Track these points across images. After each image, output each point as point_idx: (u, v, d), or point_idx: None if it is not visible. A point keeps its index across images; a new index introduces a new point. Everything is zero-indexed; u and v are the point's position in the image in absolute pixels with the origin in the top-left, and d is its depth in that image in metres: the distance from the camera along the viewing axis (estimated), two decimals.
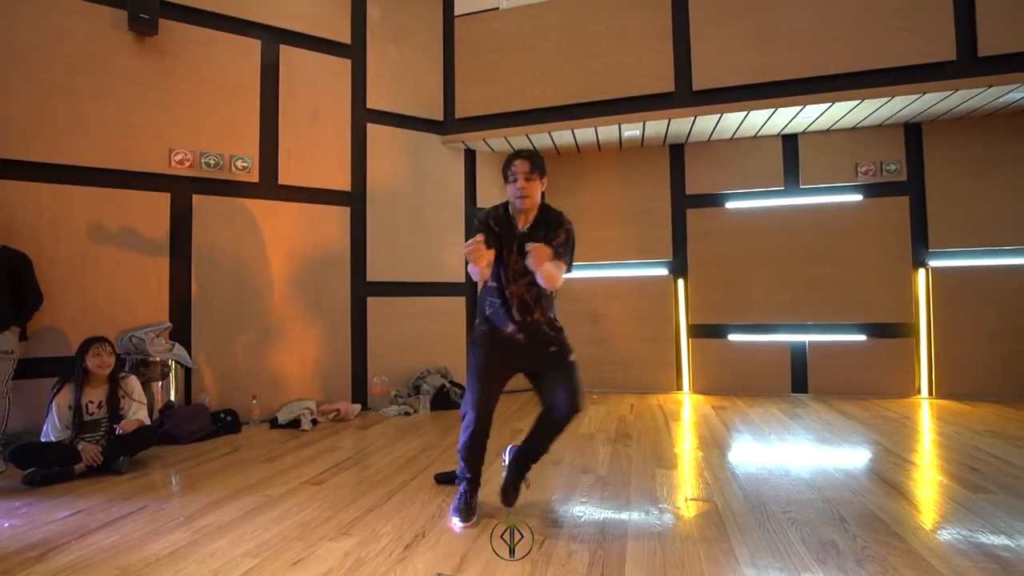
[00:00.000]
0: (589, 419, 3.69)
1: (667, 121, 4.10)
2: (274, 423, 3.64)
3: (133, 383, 2.91)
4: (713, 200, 4.64)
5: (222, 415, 3.54)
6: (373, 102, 4.25)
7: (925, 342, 4.20)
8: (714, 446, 3.01)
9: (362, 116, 4.22)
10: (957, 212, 4.17)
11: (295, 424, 3.58)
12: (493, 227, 2.02)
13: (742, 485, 2.36)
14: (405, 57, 4.40)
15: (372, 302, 4.22)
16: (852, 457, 2.76)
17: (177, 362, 3.49)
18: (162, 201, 3.55)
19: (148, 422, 2.90)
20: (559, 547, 1.79)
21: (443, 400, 4.12)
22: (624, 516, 2.04)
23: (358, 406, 3.99)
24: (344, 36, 4.16)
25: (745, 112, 3.93)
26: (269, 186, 3.88)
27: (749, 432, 3.28)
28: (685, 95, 4.00)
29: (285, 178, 3.92)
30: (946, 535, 1.82)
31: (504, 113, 4.37)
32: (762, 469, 2.58)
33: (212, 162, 3.68)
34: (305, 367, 3.95)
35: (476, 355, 2.07)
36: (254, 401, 3.67)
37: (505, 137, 4.39)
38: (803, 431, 3.27)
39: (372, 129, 4.25)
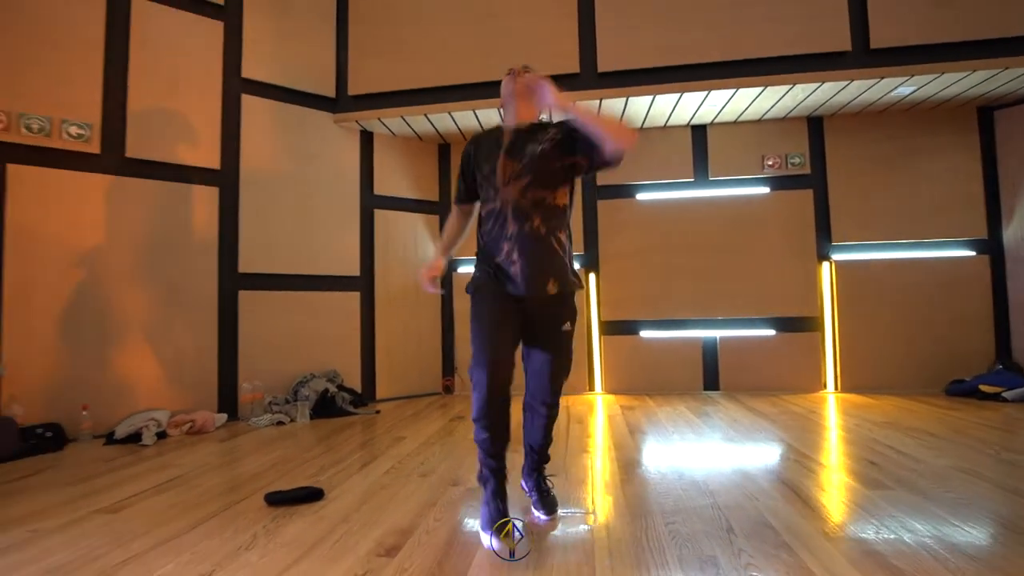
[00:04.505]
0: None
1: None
2: (110, 438, 3.04)
3: None
4: (624, 191, 4.46)
5: (39, 430, 2.90)
6: (249, 71, 3.75)
7: (830, 336, 4.17)
8: (610, 449, 2.73)
9: (236, 86, 3.71)
10: (857, 205, 4.19)
11: (135, 439, 3.00)
12: (472, 154, 1.81)
13: (628, 493, 2.07)
14: (292, 25, 3.94)
15: (245, 296, 3.69)
16: (752, 456, 2.55)
17: None
18: None
19: None
20: (387, 570, 1.41)
21: (327, 407, 3.64)
22: (476, 539, 1.68)
23: (223, 416, 3.44)
24: None
25: (651, 96, 3.76)
26: (114, 159, 3.29)
27: (652, 433, 3.03)
28: (590, 76, 3.79)
29: (135, 151, 3.34)
30: (840, 543, 1.59)
31: (402, 91, 3.99)
32: (655, 473, 2.31)
33: (36, 126, 3.06)
34: (159, 372, 3.36)
35: (474, 301, 1.73)
36: (84, 413, 3.06)
37: (402, 117, 4.01)
38: (708, 430, 3.06)
39: (248, 101, 3.75)
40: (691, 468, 2.37)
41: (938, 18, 3.50)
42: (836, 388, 4.15)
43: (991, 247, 4.06)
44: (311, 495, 2.02)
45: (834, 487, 2.09)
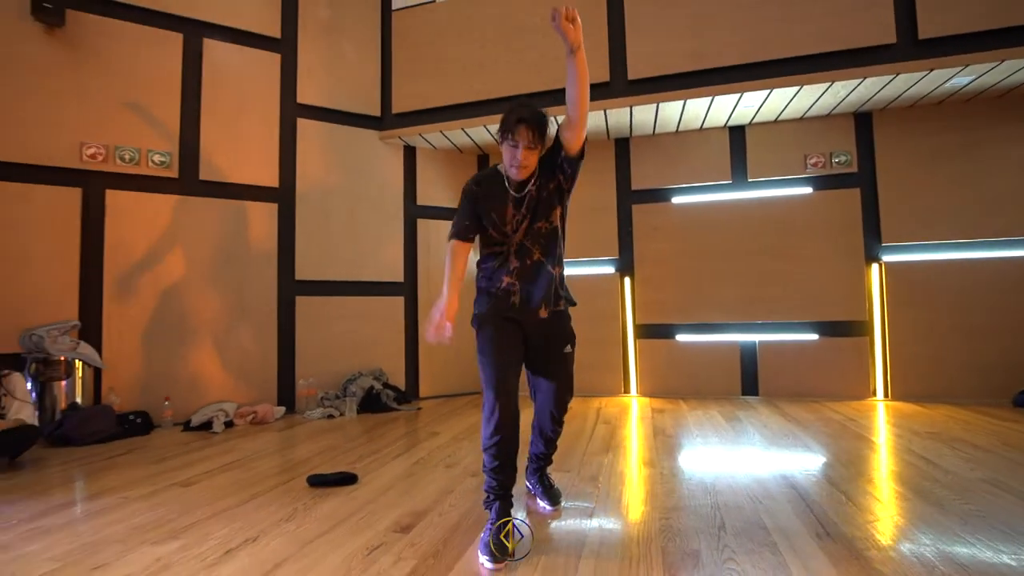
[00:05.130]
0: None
1: (603, 112, 3.95)
2: (187, 425, 3.48)
3: (16, 381, 2.78)
4: (659, 195, 4.47)
5: (131, 417, 3.39)
6: (304, 97, 4.15)
7: (879, 341, 3.99)
8: (630, 450, 2.81)
9: (292, 111, 4.11)
10: (910, 204, 3.97)
11: (207, 426, 3.43)
12: (477, 196, 1.82)
13: (634, 489, 2.17)
14: (340, 52, 4.30)
15: (301, 302, 4.07)
16: (769, 461, 2.55)
17: (83, 361, 3.36)
18: (72, 196, 3.44)
19: (31, 421, 2.75)
20: (391, 552, 1.61)
21: (372, 403, 3.95)
22: (480, 523, 1.85)
23: (281, 409, 3.83)
24: (273, 30, 4.06)
25: (682, 101, 3.78)
26: (190, 181, 3.76)
27: (677, 436, 3.08)
28: (621, 84, 3.86)
29: (207, 174, 3.80)
30: (829, 545, 1.62)
31: (441, 107, 4.25)
32: (664, 472, 2.39)
33: (127, 156, 3.57)
34: (226, 368, 3.80)
35: (479, 335, 1.81)
36: (166, 403, 3.52)
37: (442, 132, 4.27)
38: (734, 435, 3.06)
39: (303, 124, 4.14)
40: (703, 470, 2.41)
41: (995, 2, 3.28)
42: (886, 396, 3.96)
43: None
44: (346, 479, 2.28)
45: (844, 494, 2.07)
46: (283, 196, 4.06)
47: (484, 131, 4.27)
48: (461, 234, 1.82)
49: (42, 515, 2.00)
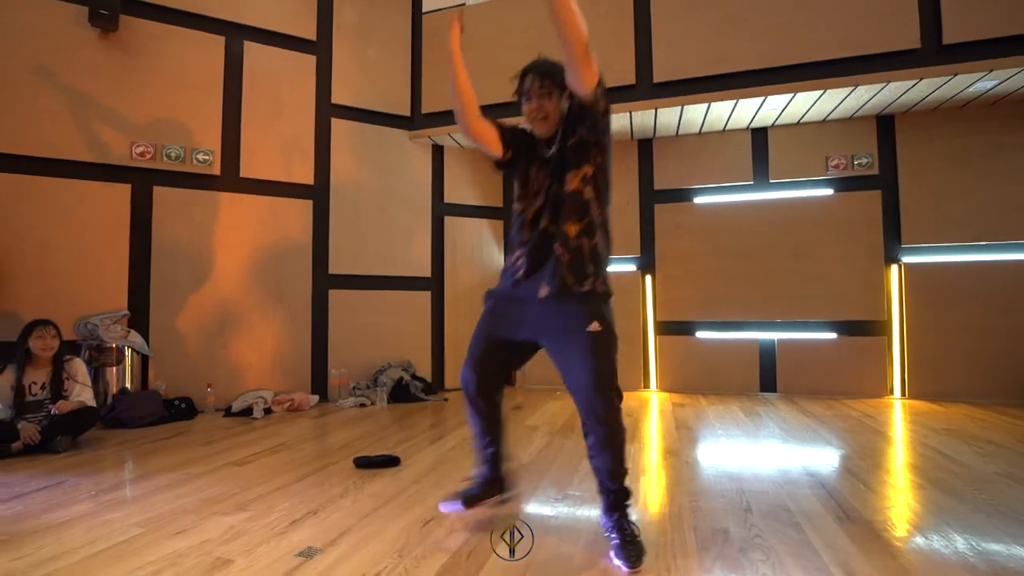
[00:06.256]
0: (541, 413, 3.65)
1: (628, 114, 4.06)
2: (228, 411, 3.67)
3: (77, 366, 2.97)
4: (681, 195, 4.57)
5: (176, 402, 3.58)
6: (338, 97, 4.30)
7: (898, 341, 4.06)
8: (653, 440, 2.94)
9: (326, 111, 4.27)
10: (931, 206, 4.03)
11: (247, 412, 3.61)
12: (524, 138, 1.72)
13: (661, 475, 2.30)
14: (372, 54, 4.45)
15: (334, 295, 4.24)
16: (789, 452, 2.66)
17: (133, 349, 3.55)
18: (123, 192, 3.63)
19: (92, 404, 2.94)
20: (444, 525, 1.76)
21: (402, 393, 4.11)
22: (525, 500, 1.99)
23: (315, 397, 4.00)
24: (310, 33, 4.22)
25: (707, 104, 3.87)
26: (231, 179, 3.94)
27: (698, 428, 3.19)
28: (646, 87, 3.96)
29: (247, 171, 3.97)
30: (849, 526, 1.74)
31: None
32: (689, 461, 2.51)
33: (173, 155, 3.75)
34: (264, 358, 3.98)
35: (484, 310, 1.75)
36: (209, 389, 3.71)
37: None
38: (754, 428, 3.17)
39: (337, 124, 4.29)
40: (726, 459, 2.53)
41: (1019, 7, 3.33)
42: (903, 394, 4.03)
43: None
44: (390, 461, 2.43)
45: (863, 482, 2.18)
46: (318, 193, 4.22)
47: None
48: (495, 122, 1.70)
49: (115, 488, 2.18)
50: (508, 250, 1.79)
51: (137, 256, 3.66)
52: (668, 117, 4.16)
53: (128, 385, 3.54)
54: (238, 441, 2.97)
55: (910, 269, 4.06)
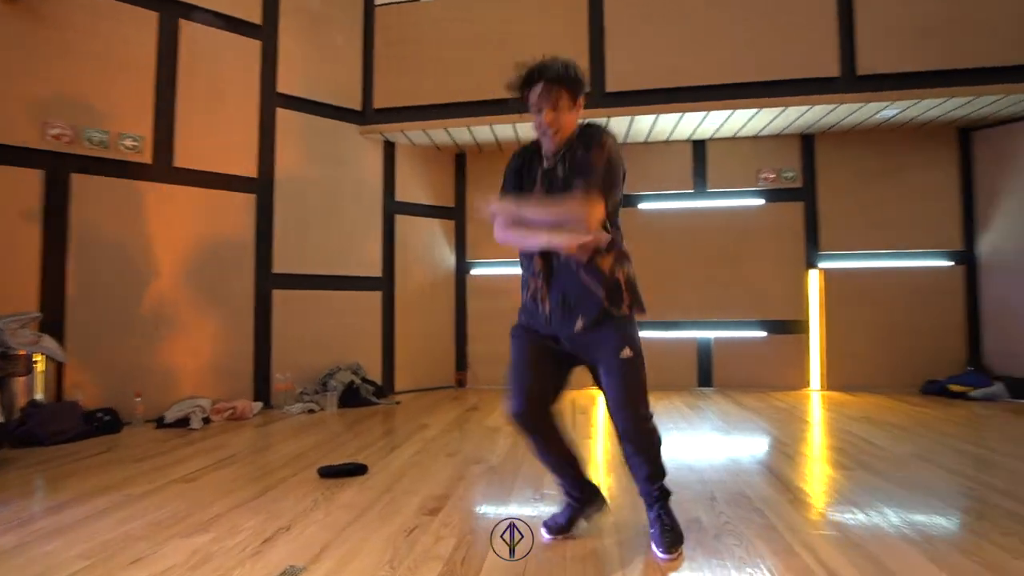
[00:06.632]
0: (498, 413, 3.67)
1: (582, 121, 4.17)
2: (160, 422, 3.37)
3: None
4: (627, 201, 4.77)
5: (99, 414, 3.23)
6: (284, 86, 4.07)
7: (816, 338, 4.51)
8: (609, 436, 3.04)
9: (272, 100, 4.03)
10: (844, 217, 4.51)
11: (184, 423, 3.33)
12: (517, 169, 1.65)
13: (625, 471, 2.40)
14: (321, 43, 4.25)
15: (278, 295, 4.02)
16: (737, 443, 2.88)
17: (45, 355, 3.16)
18: (32, 178, 3.22)
19: None
20: (429, 532, 1.74)
21: (352, 397, 3.97)
22: (502, 504, 2.02)
23: (258, 404, 3.77)
24: (254, 16, 3.96)
25: (655, 116, 4.08)
26: (163, 168, 3.61)
27: None
28: (598, 96, 4.10)
29: (182, 161, 3.66)
30: (801, 508, 1.92)
31: (423, 106, 4.31)
32: None
33: (96, 139, 3.38)
34: (200, 363, 3.69)
35: (511, 344, 1.68)
36: (137, 399, 3.39)
37: (424, 130, 4.33)
38: (699, 421, 3.40)
39: (283, 114, 4.06)
40: (682, 452, 2.70)
41: (920, 48, 3.80)
42: (821, 386, 4.48)
43: (967, 258, 4.38)
44: (357, 469, 2.36)
45: (804, 468, 2.42)
46: (261, 187, 3.97)
47: (466, 132, 4.38)
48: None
49: (44, 515, 1.94)
50: (523, 272, 1.70)
51: (51, 251, 3.26)
52: (618, 126, 4.33)
53: (40, 396, 3.16)
54: (179, 455, 2.74)
55: (827, 274, 4.51)
